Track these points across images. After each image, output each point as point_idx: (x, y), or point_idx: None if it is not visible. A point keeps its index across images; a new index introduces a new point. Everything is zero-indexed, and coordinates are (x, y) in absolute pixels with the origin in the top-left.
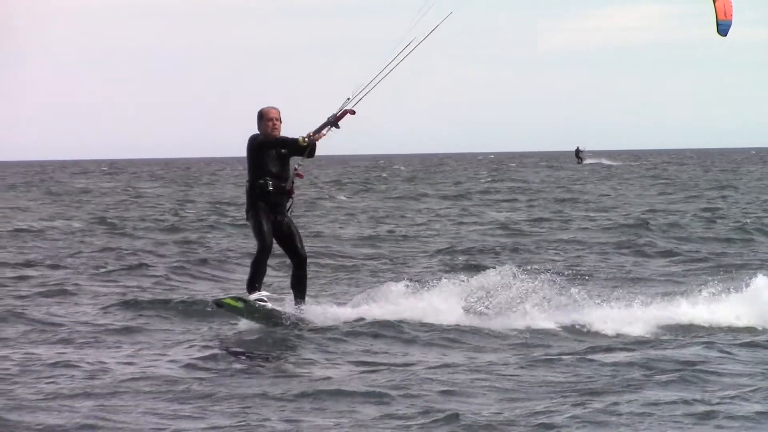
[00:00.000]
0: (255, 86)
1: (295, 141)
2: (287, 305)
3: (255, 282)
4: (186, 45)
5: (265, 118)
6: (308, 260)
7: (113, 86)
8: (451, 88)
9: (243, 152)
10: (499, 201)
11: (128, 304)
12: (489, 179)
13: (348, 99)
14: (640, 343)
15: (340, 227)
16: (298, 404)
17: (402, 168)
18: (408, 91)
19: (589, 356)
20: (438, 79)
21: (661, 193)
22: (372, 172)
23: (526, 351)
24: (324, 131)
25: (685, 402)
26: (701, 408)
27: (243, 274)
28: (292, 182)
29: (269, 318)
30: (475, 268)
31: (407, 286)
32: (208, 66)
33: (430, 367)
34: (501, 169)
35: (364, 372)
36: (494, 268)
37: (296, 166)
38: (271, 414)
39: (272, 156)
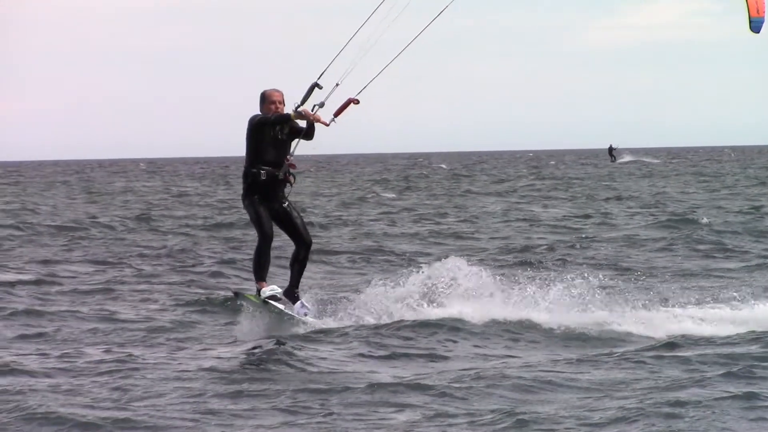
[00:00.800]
0: (289, 85)
1: (288, 116)
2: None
3: (261, 272)
4: (223, 45)
5: (267, 100)
6: (359, 257)
7: (151, 85)
8: (486, 86)
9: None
10: (544, 198)
11: (178, 302)
12: (532, 176)
13: (336, 84)
14: (701, 339)
15: (389, 225)
16: (355, 398)
17: (443, 166)
18: (443, 90)
19: (653, 353)
20: (472, 78)
21: (705, 190)
22: (413, 170)
23: (589, 349)
24: (321, 117)
25: (750, 396)
26: (761, 403)
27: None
28: (286, 172)
29: (285, 318)
30: (529, 266)
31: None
32: (247, 64)
33: (493, 365)
34: (541, 167)
35: (423, 368)
36: (563, 267)
37: (288, 156)
38: (324, 409)
39: (269, 141)
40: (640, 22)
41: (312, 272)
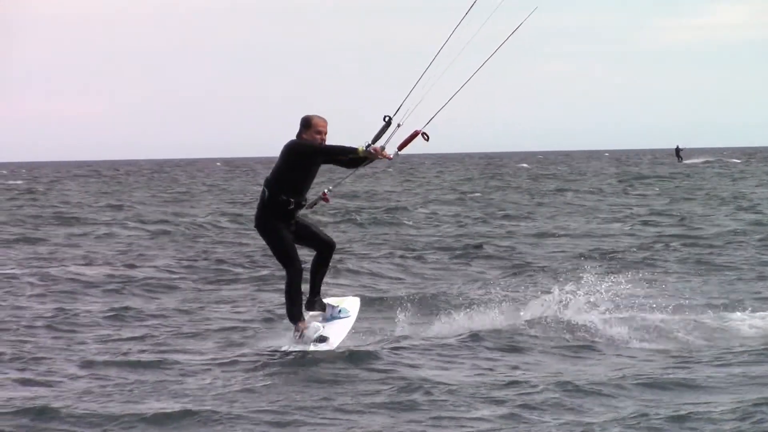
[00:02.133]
0: (348, 86)
1: (353, 150)
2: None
3: (299, 310)
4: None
5: (313, 128)
6: (457, 253)
7: (225, 84)
8: (551, 86)
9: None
10: (634, 196)
11: (277, 302)
12: (615, 176)
13: (398, 125)
14: None
15: (482, 223)
16: (475, 395)
17: (525, 165)
18: (512, 90)
19: None
20: (538, 78)
21: None
22: (494, 170)
23: (712, 348)
24: (388, 152)
25: None
26: None
27: (393, 270)
28: (313, 204)
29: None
30: (633, 265)
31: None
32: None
33: (617, 365)
34: (621, 165)
35: (536, 369)
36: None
37: (326, 190)
38: (449, 409)
39: (306, 170)
40: (710, 21)
41: (411, 268)
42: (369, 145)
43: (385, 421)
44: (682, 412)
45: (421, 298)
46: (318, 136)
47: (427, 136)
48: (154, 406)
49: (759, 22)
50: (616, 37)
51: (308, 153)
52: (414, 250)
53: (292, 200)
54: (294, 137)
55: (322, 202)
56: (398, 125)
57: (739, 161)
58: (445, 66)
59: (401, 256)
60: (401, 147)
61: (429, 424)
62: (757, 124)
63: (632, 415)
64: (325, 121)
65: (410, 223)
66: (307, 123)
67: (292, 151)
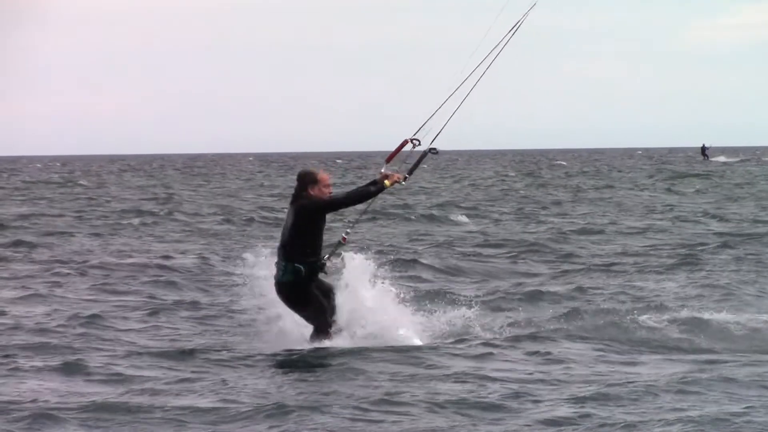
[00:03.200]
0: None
1: (378, 191)
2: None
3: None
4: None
5: (321, 183)
6: (512, 252)
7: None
8: (580, 85)
9: (370, 146)
10: (675, 192)
11: None
12: (654, 173)
13: (416, 144)
14: None
15: (525, 220)
16: (537, 394)
17: (563, 162)
18: (541, 87)
19: None
20: (567, 76)
21: None
22: (530, 167)
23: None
24: (400, 175)
25: None
26: None
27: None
28: (335, 250)
29: None
30: (681, 264)
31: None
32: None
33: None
34: (657, 163)
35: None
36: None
37: (344, 234)
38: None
39: (323, 226)
40: (744, 21)
41: (459, 264)
42: (406, 178)
43: (445, 418)
44: (745, 412)
45: (475, 293)
46: (326, 190)
47: (435, 151)
48: (202, 400)
49: None
50: (650, 37)
51: (326, 209)
52: (459, 246)
53: (322, 260)
54: (295, 194)
55: (342, 242)
56: (416, 144)
57: None
58: (463, 87)
59: (448, 252)
60: (411, 171)
61: (491, 422)
62: None
63: (701, 413)
64: (328, 174)
65: (454, 219)
66: (313, 179)
67: (312, 213)
